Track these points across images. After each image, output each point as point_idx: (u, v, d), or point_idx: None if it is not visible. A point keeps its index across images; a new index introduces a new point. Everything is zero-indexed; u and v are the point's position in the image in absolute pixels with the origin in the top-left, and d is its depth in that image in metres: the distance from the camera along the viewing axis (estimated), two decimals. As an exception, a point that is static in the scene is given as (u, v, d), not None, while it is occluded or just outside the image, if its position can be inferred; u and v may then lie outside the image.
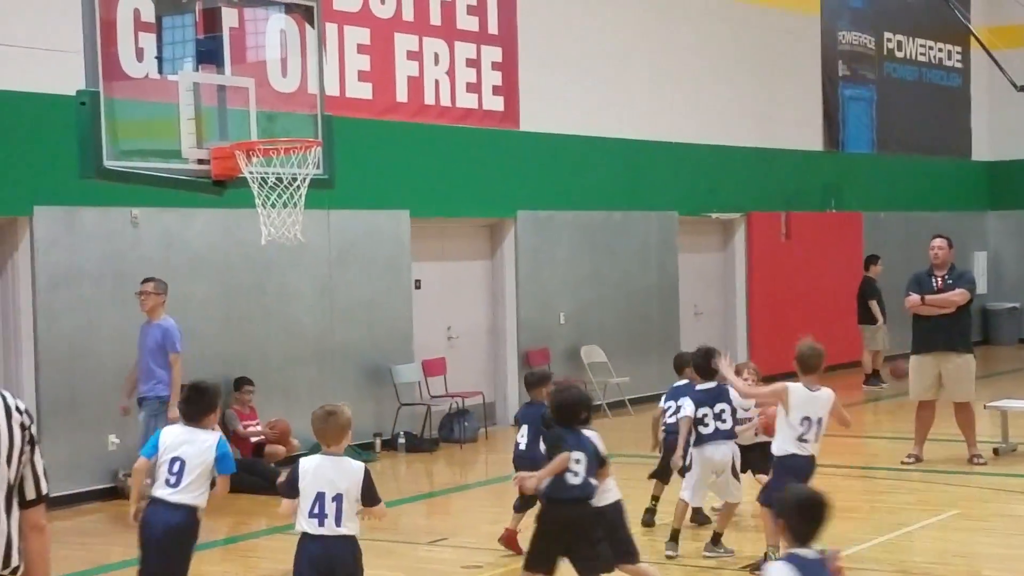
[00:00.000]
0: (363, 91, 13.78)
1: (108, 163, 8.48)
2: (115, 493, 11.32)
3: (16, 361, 11.27)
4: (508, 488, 8.48)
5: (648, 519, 9.49)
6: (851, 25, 21.05)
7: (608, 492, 7.04)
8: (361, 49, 13.73)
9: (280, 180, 9.18)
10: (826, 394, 7.89)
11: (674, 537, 8.68)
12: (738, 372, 8.73)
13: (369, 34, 13.81)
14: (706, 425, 8.57)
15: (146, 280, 10.97)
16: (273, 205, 9.20)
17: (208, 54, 9.35)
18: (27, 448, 4.03)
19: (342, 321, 13.59)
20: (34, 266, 11.25)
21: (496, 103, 15.27)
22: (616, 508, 7.11)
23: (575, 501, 6.70)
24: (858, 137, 21.38)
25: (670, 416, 9.31)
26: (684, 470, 8.79)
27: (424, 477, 12.98)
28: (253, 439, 12.35)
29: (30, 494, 4.06)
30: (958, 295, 11.82)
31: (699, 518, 9.34)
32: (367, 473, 6.21)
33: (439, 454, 13.75)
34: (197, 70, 9.30)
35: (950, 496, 10.64)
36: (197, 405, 6.75)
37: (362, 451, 13.16)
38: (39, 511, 4.09)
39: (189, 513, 6.58)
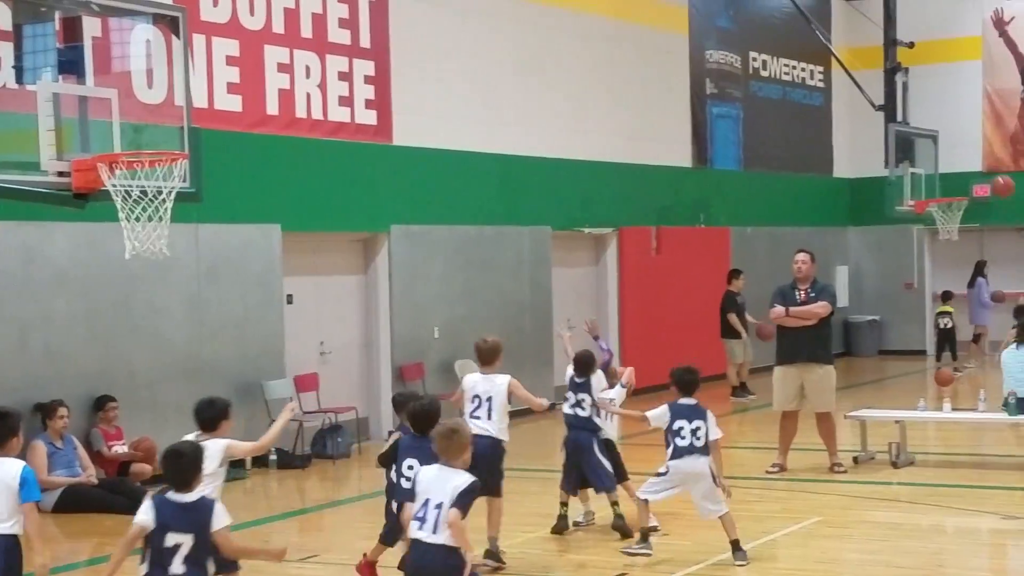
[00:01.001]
0: (232, 103, 13.62)
1: (-36, 175, 8.27)
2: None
3: None
4: (382, 504, 8.41)
5: (562, 525, 9.75)
6: (718, 44, 21.50)
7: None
8: (230, 61, 13.57)
9: (145, 193, 9.06)
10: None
11: (645, 537, 8.97)
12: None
13: (238, 45, 13.66)
14: (683, 438, 8.83)
15: None
16: (138, 219, 9.07)
17: (69, 64, 9.18)
18: None
19: (212, 337, 13.40)
20: None
21: (369, 117, 15.23)
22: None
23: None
24: (725, 154, 21.84)
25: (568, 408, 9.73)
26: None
27: (296, 494, 12.85)
28: (120, 459, 12.09)
29: None
30: (820, 308, 12.14)
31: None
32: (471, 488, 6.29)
33: (311, 470, 13.63)
34: (57, 80, 9.11)
35: (812, 504, 10.90)
36: None
37: (232, 468, 12.96)
38: None
39: (6, 542, 6.27)
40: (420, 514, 6.27)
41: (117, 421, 12.23)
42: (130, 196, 8.98)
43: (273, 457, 13.55)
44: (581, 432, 9.69)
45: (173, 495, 5.73)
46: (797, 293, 12.25)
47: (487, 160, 16.81)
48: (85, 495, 11.31)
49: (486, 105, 16.86)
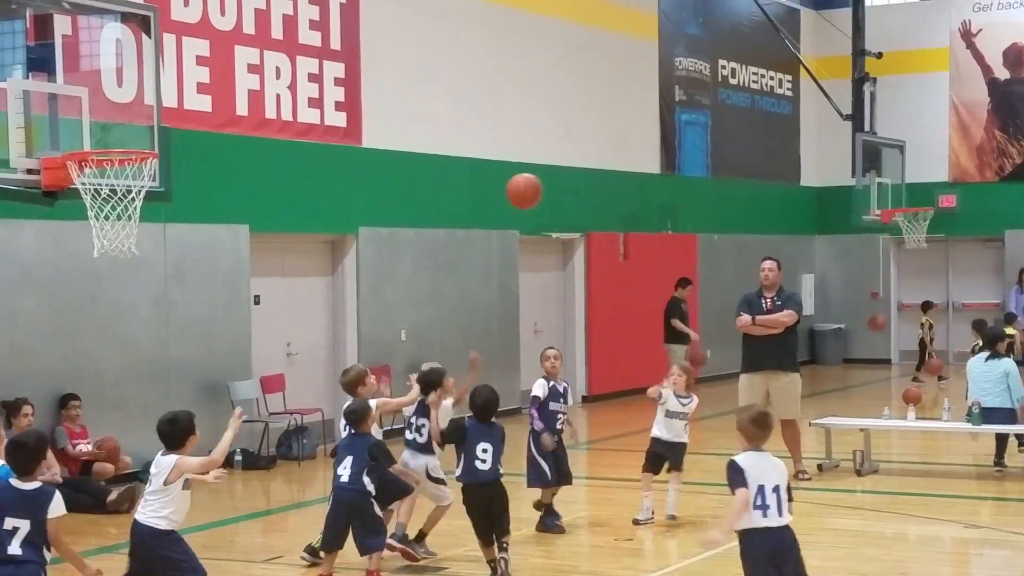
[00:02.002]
0: (202, 103, 13.57)
1: (-69, 171, 8.21)
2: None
3: None
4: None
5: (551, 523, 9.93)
6: (687, 51, 21.61)
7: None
8: (200, 61, 13.52)
9: (114, 192, 9.02)
10: None
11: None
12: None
13: (208, 45, 13.61)
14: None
15: None
16: (107, 217, 9.04)
17: (39, 61, 9.15)
18: None
19: (178, 336, 13.34)
20: None
21: (339, 119, 15.20)
22: None
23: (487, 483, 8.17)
24: (693, 161, 21.94)
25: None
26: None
27: (261, 495, 12.81)
28: (83, 457, 12.02)
29: None
30: (787, 316, 12.20)
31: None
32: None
33: (276, 471, 13.59)
34: (27, 77, 9.07)
35: (777, 510, 10.94)
36: None
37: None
38: None
39: None
40: (758, 502, 6.37)
41: (81, 420, 12.16)
42: (99, 194, 8.95)
43: (238, 458, 13.51)
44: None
45: (15, 482, 6.20)
46: (763, 301, 12.31)
47: (456, 164, 16.83)
48: (49, 494, 11.21)
49: (456, 109, 16.87)
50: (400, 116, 15.96)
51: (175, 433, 6.98)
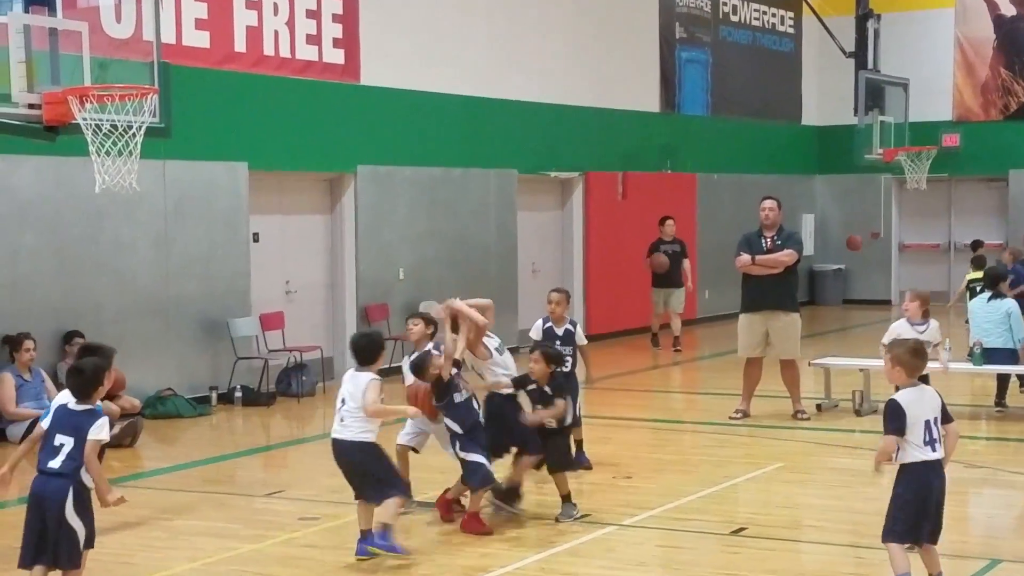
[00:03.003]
0: (200, 40, 13.46)
1: (-69, 105, 8.17)
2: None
3: None
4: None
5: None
6: (689, -11, 21.41)
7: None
8: (199, -5, 13.39)
9: (115, 127, 8.97)
10: None
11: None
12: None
13: (207, -20, 13.48)
14: None
15: None
16: (108, 153, 8.99)
17: (39, -4, 9.05)
18: None
19: (178, 274, 13.34)
20: None
21: (337, 56, 15.09)
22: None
23: None
24: (694, 100, 21.82)
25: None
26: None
27: (261, 431, 12.87)
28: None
29: None
30: (787, 256, 12.19)
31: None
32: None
33: (276, 408, 13.66)
34: (27, 12, 8.99)
35: (775, 450, 11.03)
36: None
37: (198, 404, 13.00)
38: None
39: None
40: (926, 437, 6.46)
41: (83, 357, 12.17)
42: (100, 130, 8.90)
43: (239, 395, 13.57)
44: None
45: (71, 404, 6.42)
46: (763, 240, 12.29)
47: (454, 102, 16.73)
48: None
49: (454, 47, 16.74)
50: (398, 53, 15.85)
51: (369, 347, 7.49)
